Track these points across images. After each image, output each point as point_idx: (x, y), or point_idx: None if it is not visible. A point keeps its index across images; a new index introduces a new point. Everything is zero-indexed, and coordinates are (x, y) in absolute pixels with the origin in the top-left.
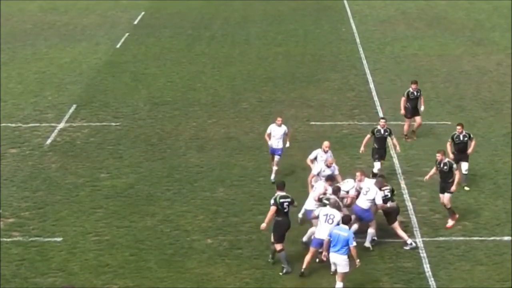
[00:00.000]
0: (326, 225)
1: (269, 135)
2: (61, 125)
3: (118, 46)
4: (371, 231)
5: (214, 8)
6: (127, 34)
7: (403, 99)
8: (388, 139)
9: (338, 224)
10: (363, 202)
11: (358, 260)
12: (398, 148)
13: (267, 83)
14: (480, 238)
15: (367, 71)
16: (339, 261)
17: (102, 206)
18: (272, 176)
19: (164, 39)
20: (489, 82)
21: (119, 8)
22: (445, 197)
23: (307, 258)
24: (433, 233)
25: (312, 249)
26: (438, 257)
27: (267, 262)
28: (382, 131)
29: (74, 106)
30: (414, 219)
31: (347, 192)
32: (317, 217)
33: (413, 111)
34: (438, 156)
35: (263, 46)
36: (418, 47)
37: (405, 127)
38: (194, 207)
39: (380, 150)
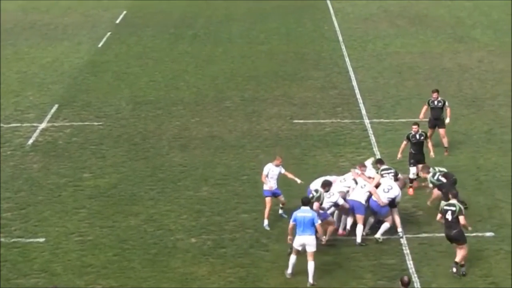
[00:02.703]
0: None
1: (267, 176)
2: (43, 125)
3: (100, 45)
4: (386, 225)
5: (196, 7)
6: (109, 33)
7: (424, 107)
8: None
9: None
10: (384, 199)
11: (324, 237)
12: (432, 153)
13: (250, 82)
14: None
15: (350, 69)
16: (309, 241)
17: (85, 206)
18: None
19: (146, 38)
20: (470, 79)
21: (101, 7)
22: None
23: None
24: (416, 229)
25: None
26: (421, 253)
27: (251, 261)
28: (417, 136)
29: (56, 106)
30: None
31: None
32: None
33: (435, 122)
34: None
35: (246, 44)
36: (400, 44)
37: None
38: (178, 206)
39: (416, 155)
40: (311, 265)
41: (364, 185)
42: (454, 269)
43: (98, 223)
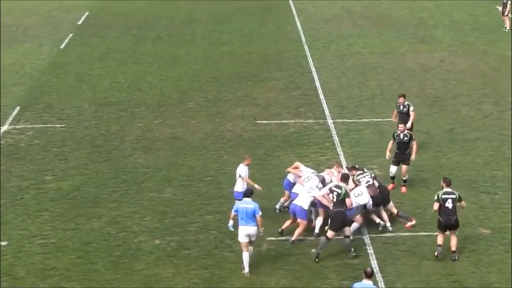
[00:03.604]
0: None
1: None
2: (5, 127)
3: (62, 47)
4: (355, 225)
5: (159, 8)
6: (71, 34)
7: (395, 111)
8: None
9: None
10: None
11: (262, 229)
12: (414, 156)
13: (213, 83)
14: (426, 233)
15: (313, 69)
16: (252, 232)
17: (48, 208)
18: None
19: (108, 40)
20: (432, 79)
21: (62, 9)
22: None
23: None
24: (378, 230)
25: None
26: (385, 253)
27: (215, 262)
28: (401, 136)
29: (18, 108)
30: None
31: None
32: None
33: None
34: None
35: (208, 45)
36: (362, 45)
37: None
38: (141, 208)
39: (400, 155)
40: (247, 255)
41: (358, 195)
42: (437, 252)
43: (61, 225)
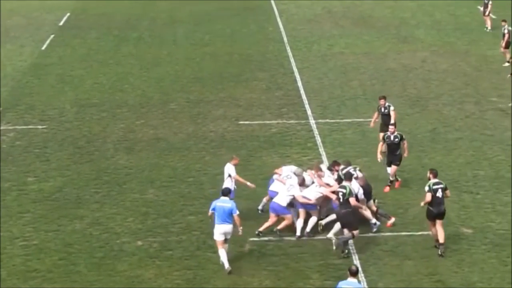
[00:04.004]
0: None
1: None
2: None
3: (43, 48)
4: (339, 225)
5: (140, 9)
6: (52, 35)
7: (375, 114)
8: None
9: None
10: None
11: (241, 228)
12: (406, 153)
13: (195, 83)
14: (408, 233)
15: (295, 69)
16: (228, 230)
17: (30, 210)
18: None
19: (90, 40)
20: (414, 79)
21: (44, 10)
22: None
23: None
24: (362, 229)
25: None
26: (368, 253)
27: (198, 263)
28: (391, 137)
29: None
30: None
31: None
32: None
33: (384, 127)
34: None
35: (190, 46)
36: (344, 45)
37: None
38: (124, 209)
39: (390, 156)
40: (225, 247)
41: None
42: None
43: (43, 227)
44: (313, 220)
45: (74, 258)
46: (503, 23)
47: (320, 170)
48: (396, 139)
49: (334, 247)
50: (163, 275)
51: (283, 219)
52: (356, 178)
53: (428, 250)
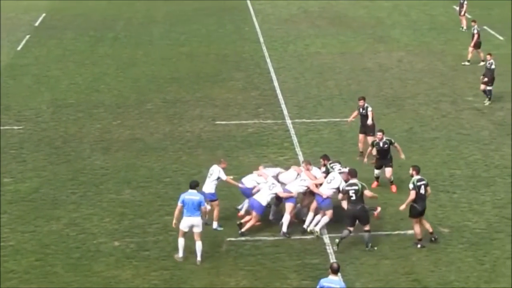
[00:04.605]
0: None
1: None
2: None
3: (19, 48)
4: (326, 219)
5: (116, 9)
6: (28, 36)
7: (355, 112)
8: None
9: None
10: (325, 191)
11: (206, 217)
12: (402, 155)
13: (172, 84)
14: (385, 233)
15: (271, 69)
16: (197, 222)
17: (6, 211)
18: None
19: (66, 41)
20: (390, 78)
21: (19, 10)
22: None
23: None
24: (339, 229)
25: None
26: (345, 252)
27: (175, 263)
28: (380, 144)
29: None
30: (319, 216)
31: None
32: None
33: (363, 128)
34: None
35: (166, 46)
36: (320, 45)
37: (360, 144)
38: (100, 210)
39: (381, 160)
40: (199, 245)
41: (331, 181)
42: (421, 245)
43: (20, 228)
44: (286, 218)
45: (50, 259)
46: (473, 23)
47: (309, 164)
48: (386, 145)
49: (337, 242)
50: (140, 275)
51: (253, 216)
52: (340, 173)
53: (405, 250)
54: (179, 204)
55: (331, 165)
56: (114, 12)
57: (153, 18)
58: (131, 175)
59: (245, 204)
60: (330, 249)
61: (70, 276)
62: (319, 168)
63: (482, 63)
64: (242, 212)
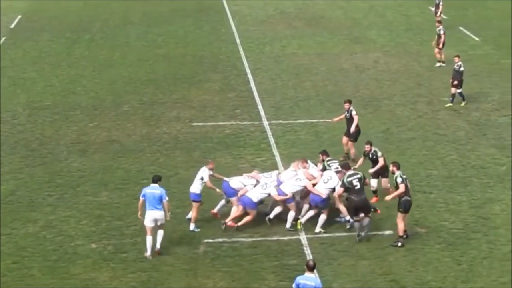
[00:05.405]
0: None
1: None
2: None
3: None
4: (323, 217)
5: (93, 10)
6: (3, 38)
7: (342, 115)
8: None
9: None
10: (322, 190)
11: (169, 213)
12: (374, 170)
13: (148, 85)
14: (363, 233)
15: (248, 71)
16: (159, 216)
17: None
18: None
19: (42, 43)
20: (367, 79)
21: None
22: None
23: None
24: (313, 228)
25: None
26: (322, 253)
27: (152, 265)
28: (369, 155)
29: None
30: (312, 211)
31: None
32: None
33: (348, 132)
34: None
35: (143, 48)
36: (297, 46)
37: (344, 146)
38: (77, 212)
39: (375, 172)
40: (160, 233)
41: (328, 180)
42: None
43: None
44: (291, 214)
45: (27, 261)
46: (437, 24)
47: (306, 162)
48: (374, 157)
49: (357, 236)
50: (118, 277)
51: (247, 214)
52: (337, 172)
53: (382, 250)
54: (141, 198)
55: (329, 162)
56: (90, 13)
57: (129, 20)
58: (108, 177)
59: (220, 204)
60: (307, 250)
61: (47, 279)
62: (316, 164)
63: (438, 64)
64: (215, 210)
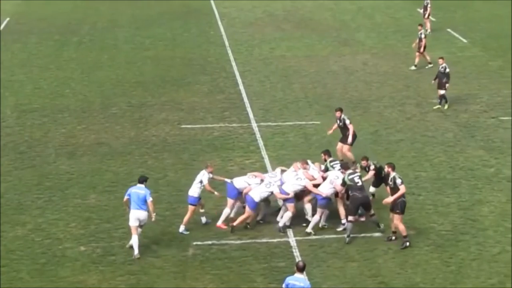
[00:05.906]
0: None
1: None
2: None
3: None
4: (316, 218)
5: (81, 13)
6: None
7: (335, 125)
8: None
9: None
10: (326, 190)
11: (154, 214)
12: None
13: (137, 88)
14: (352, 235)
15: (237, 73)
16: (142, 216)
17: None
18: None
19: (30, 45)
20: (355, 81)
21: None
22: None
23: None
24: (304, 230)
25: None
26: (311, 255)
27: (141, 268)
28: (366, 169)
29: None
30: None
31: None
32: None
33: (341, 138)
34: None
35: (131, 50)
36: (286, 48)
37: (338, 153)
38: (66, 215)
39: (377, 180)
40: (139, 231)
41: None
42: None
43: None
44: (287, 215)
45: (16, 264)
46: (419, 27)
47: (306, 163)
48: (372, 172)
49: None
50: (106, 280)
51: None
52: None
53: (371, 252)
54: (126, 197)
55: (332, 163)
56: (78, 16)
57: (117, 22)
58: (97, 180)
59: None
60: (296, 252)
61: (35, 282)
62: (320, 164)
63: (413, 68)
64: (219, 223)
